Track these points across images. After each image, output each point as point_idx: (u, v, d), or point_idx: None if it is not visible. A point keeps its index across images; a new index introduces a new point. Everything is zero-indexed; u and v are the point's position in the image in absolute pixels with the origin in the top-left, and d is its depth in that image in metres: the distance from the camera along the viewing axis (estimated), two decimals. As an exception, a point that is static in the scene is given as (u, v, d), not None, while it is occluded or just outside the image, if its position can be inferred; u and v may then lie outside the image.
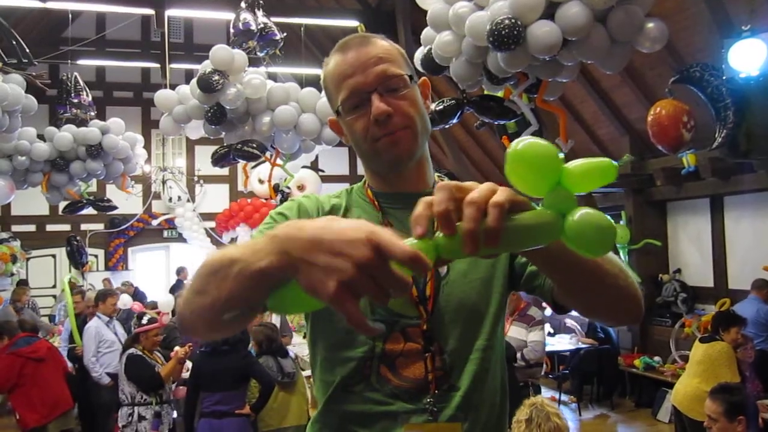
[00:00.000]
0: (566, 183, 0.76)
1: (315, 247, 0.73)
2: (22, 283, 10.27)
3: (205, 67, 5.91)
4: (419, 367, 1.19)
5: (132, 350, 4.97)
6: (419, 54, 5.01)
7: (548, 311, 10.05)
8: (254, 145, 6.24)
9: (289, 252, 0.76)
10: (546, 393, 8.11)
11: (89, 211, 9.40)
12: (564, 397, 8.30)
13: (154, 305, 6.44)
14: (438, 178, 1.34)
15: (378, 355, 1.19)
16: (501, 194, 0.74)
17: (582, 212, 0.75)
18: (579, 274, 0.97)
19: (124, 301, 6.88)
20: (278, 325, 5.96)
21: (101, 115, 9.15)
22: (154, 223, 13.61)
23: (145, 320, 5.08)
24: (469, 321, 1.22)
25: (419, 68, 4.97)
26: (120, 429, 4.87)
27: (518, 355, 5.10)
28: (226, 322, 0.95)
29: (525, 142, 0.76)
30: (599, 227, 0.74)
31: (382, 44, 1.21)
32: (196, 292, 0.95)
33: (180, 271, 11.88)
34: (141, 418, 4.90)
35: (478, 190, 0.75)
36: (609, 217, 0.75)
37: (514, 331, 5.24)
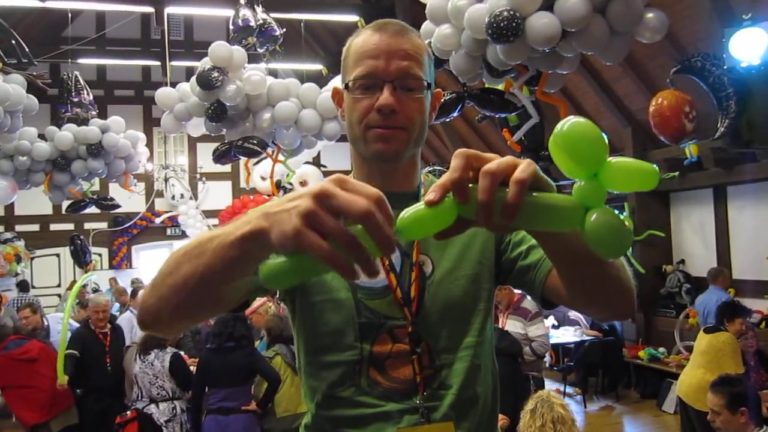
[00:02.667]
0: (603, 176, 0.74)
1: (286, 199, 0.73)
2: (23, 285, 10.27)
3: (204, 64, 5.91)
4: (409, 368, 1.18)
5: (174, 350, 5.12)
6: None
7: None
8: (255, 142, 6.24)
9: (268, 213, 0.75)
10: (551, 385, 8.11)
11: (92, 209, 9.43)
12: (569, 389, 8.30)
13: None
14: (425, 177, 1.32)
15: (366, 358, 1.18)
16: (524, 171, 0.71)
17: (604, 212, 0.73)
18: (586, 262, 0.94)
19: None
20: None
21: (102, 114, 9.15)
22: (158, 221, 13.64)
23: None
24: (457, 319, 1.21)
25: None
26: (164, 424, 4.92)
27: (527, 349, 5.07)
28: (195, 307, 0.93)
29: (583, 122, 0.74)
30: (618, 231, 0.73)
31: (416, 41, 1.20)
32: (165, 275, 0.93)
33: None
34: (182, 410, 5.01)
35: (497, 162, 0.72)
36: (624, 220, 0.74)
37: (512, 326, 5.20)
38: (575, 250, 0.89)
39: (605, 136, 0.74)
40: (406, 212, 0.72)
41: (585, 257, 0.91)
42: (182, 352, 5.60)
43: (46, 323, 6.69)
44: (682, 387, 4.89)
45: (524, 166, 0.71)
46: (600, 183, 0.74)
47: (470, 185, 0.72)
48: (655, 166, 0.75)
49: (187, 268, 0.89)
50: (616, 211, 0.75)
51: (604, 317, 1.18)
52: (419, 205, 0.72)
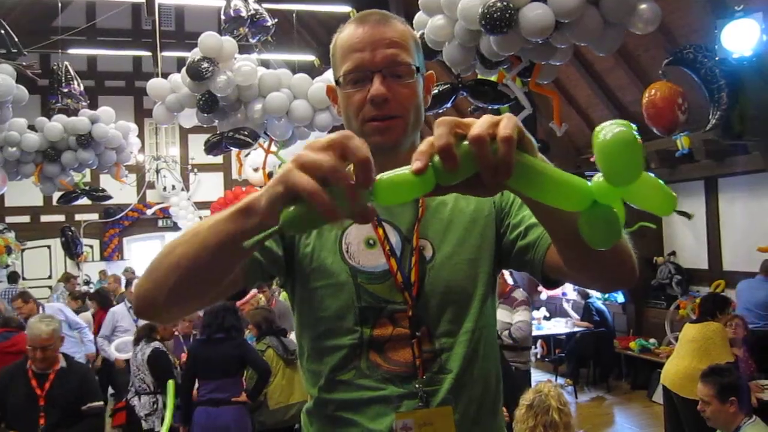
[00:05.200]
0: (628, 189, 0.75)
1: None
2: (14, 277, 10.23)
3: (195, 55, 5.87)
4: (408, 351, 1.19)
5: (157, 345, 4.97)
6: (411, 39, 5.00)
7: (543, 295, 10.13)
8: (246, 133, 6.21)
9: (260, 190, 0.79)
10: (542, 376, 8.15)
11: (83, 201, 9.38)
12: (560, 380, 8.34)
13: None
14: None
15: (367, 341, 1.19)
16: (507, 126, 0.72)
17: (605, 209, 0.75)
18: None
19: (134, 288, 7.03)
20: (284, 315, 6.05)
21: (93, 105, 9.08)
22: (149, 212, 13.59)
23: None
24: (456, 303, 1.22)
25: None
26: (143, 417, 4.88)
27: (505, 333, 5.19)
28: (189, 289, 0.94)
29: (627, 140, 0.72)
30: (611, 230, 0.76)
31: (399, 28, 1.21)
32: (160, 259, 0.95)
33: None
34: (165, 405, 4.91)
35: (480, 125, 0.72)
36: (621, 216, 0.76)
37: (499, 314, 5.28)
38: (569, 223, 0.88)
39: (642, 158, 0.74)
40: (385, 176, 0.74)
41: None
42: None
43: (41, 312, 6.65)
44: (667, 376, 4.91)
45: (506, 122, 0.72)
46: (622, 192, 0.75)
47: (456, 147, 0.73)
48: (675, 196, 0.77)
49: (181, 249, 0.92)
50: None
51: (606, 284, 1.16)
52: (400, 171, 0.74)
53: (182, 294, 0.96)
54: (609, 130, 0.73)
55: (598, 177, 0.75)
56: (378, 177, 0.74)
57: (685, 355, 4.79)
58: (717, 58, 4.85)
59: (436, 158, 0.73)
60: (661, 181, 0.77)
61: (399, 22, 1.22)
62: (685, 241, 8.41)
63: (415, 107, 1.20)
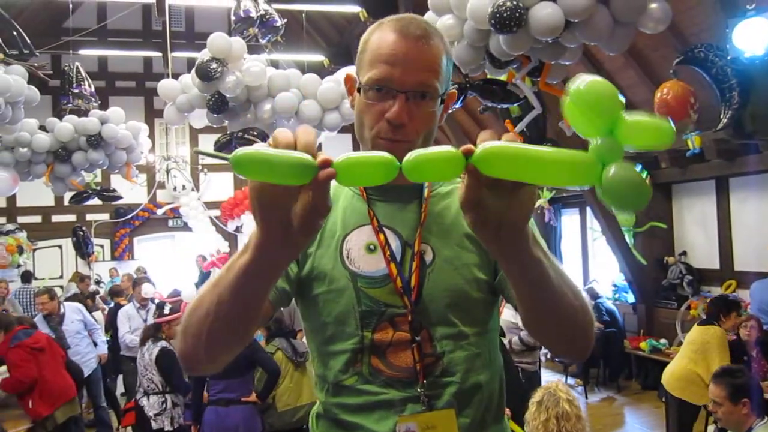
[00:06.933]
0: (619, 133, 0.74)
1: None
2: (27, 275, 10.30)
3: (204, 55, 5.89)
4: (410, 356, 1.18)
5: (165, 344, 4.96)
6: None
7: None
8: (255, 133, 6.23)
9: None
10: (552, 376, 8.13)
11: (94, 201, 9.43)
12: (570, 381, 8.32)
13: (175, 294, 6.44)
14: None
15: (368, 346, 1.19)
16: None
17: (622, 167, 0.74)
18: (542, 294, 0.98)
19: (146, 290, 7.00)
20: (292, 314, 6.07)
21: (104, 106, 9.10)
22: (159, 212, 13.65)
23: (166, 310, 5.10)
24: (457, 307, 1.20)
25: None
26: (152, 417, 4.89)
27: (515, 338, 5.09)
28: (226, 332, 0.98)
29: (591, 80, 0.75)
30: (636, 186, 0.74)
31: (436, 48, 1.15)
32: (191, 313, 1.00)
33: (204, 259, 12.00)
34: (174, 404, 4.94)
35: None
36: (643, 174, 0.74)
37: (505, 314, 5.20)
38: (534, 276, 0.95)
39: (614, 89, 0.75)
40: (422, 153, 0.80)
41: (543, 287, 0.97)
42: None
43: (62, 310, 6.70)
44: (665, 376, 4.95)
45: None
46: (616, 139, 0.75)
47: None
48: (669, 122, 0.75)
49: (207, 298, 0.97)
50: (638, 167, 0.75)
51: (557, 353, 1.23)
52: (442, 149, 0.79)
53: (219, 339, 1.00)
54: (577, 83, 0.76)
55: (593, 143, 0.75)
56: (415, 154, 0.80)
57: (683, 356, 4.85)
58: (728, 57, 4.81)
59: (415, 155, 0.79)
60: (649, 115, 0.76)
61: (438, 38, 1.16)
62: (696, 241, 8.36)
63: (428, 132, 1.17)
